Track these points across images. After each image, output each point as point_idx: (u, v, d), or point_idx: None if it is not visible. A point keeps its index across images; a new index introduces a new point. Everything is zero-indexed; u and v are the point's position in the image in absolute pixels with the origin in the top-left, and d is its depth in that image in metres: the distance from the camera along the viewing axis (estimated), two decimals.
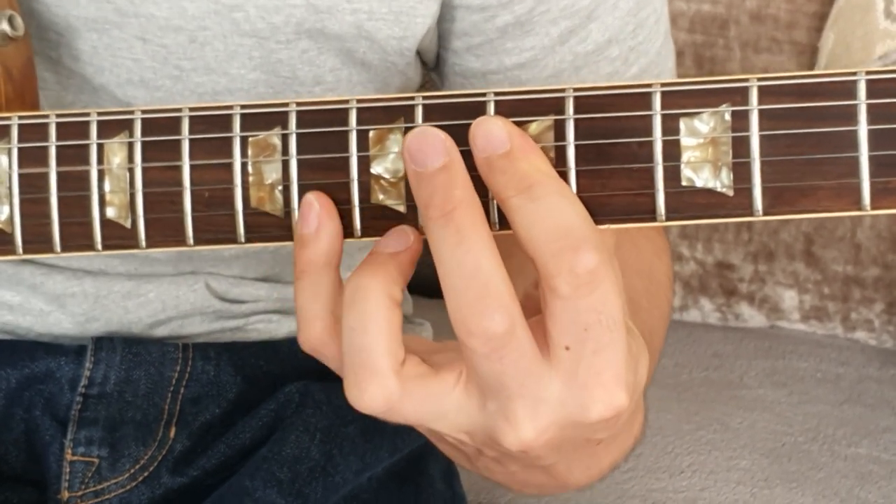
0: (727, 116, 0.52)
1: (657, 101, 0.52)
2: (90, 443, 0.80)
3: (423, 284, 1.38)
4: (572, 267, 0.51)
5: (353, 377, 0.54)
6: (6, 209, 0.63)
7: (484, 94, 0.55)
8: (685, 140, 0.52)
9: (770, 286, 1.36)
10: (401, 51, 0.78)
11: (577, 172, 0.53)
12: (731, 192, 0.52)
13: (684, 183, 0.52)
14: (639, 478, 1.06)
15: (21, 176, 0.63)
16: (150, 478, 0.80)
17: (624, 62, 0.83)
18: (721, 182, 0.52)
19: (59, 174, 0.62)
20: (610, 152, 0.53)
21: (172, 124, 0.60)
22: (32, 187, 0.63)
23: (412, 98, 0.56)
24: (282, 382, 0.83)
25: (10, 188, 0.63)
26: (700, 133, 0.52)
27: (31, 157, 0.63)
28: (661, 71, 0.87)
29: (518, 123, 0.54)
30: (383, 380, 0.53)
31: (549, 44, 0.79)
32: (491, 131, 0.53)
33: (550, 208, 0.51)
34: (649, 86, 0.52)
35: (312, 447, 0.79)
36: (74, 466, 0.79)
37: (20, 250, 0.63)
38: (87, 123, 0.62)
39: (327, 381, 0.83)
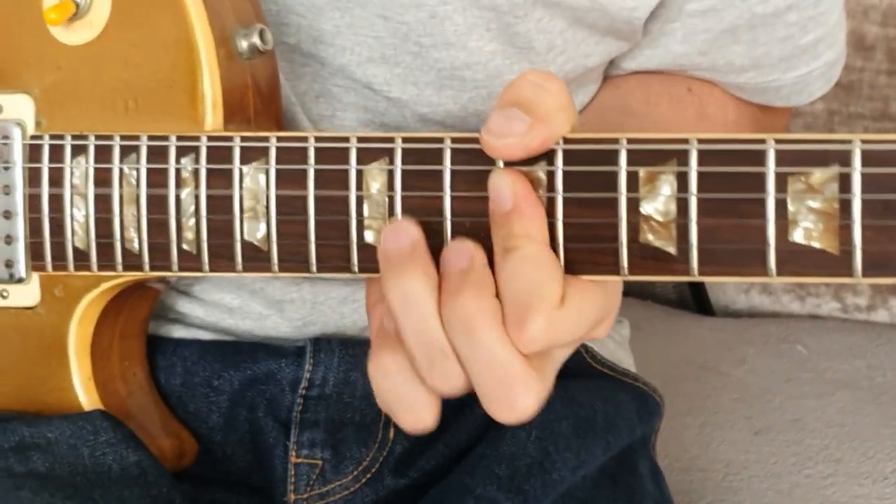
0: None
1: None
2: (313, 445, 0.81)
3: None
4: (520, 334, 0.56)
5: (433, 370, 0.58)
6: (263, 227, 0.65)
7: (763, 141, 0.54)
8: None
9: None
10: (630, 20, 0.79)
11: (863, 226, 0.53)
12: None
13: None
14: (840, 483, 1.04)
15: (278, 196, 0.64)
16: (373, 479, 0.80)
17: (801, 29, 0.83)
18: None
19: (316, 197, 0.63)
20: None
21: (433, 153, 0.61)
22: (289, 208, 0.64)
23: (686, 141, 0.56)
24: None
25: (267, 208, 0.64)
26: None
27: (289, 179, 0.64)
28: (835, 42, 0.87)
29: (801, 172, 0.54)
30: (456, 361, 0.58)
31: None
32: (500, 188, 0.58)
33: (514, 271, 0.56)
34: None
35: (529, 444, 0.79)
36: (299, 469, 0.80)
37: (276, 268, 0.65)
38: (346, 150, 0.62)
39: None
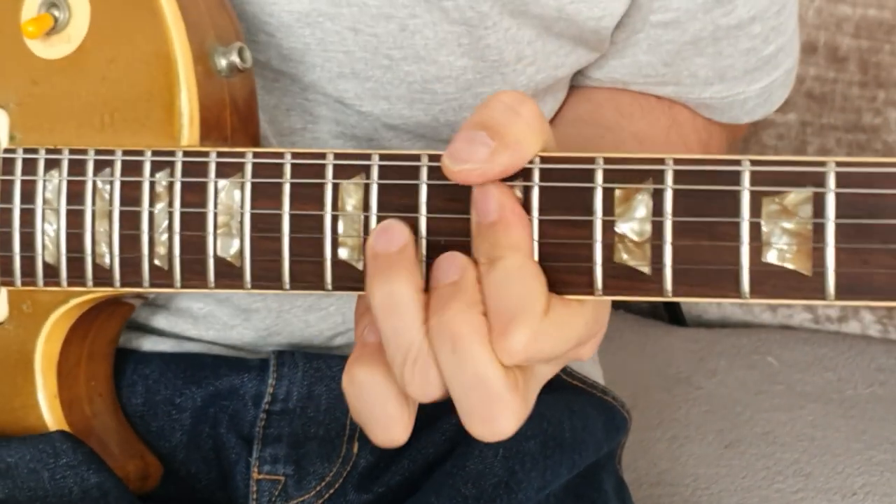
0: None
1: None
2: (276, 461, 0.80)
3: None
4: (503, 345, 0.55)
5: (411, 376, 0.57)
6: (237, 243, 0.64)
7: (739, 163, 0.54)
8: None
9: None
10: (597, 30, 0.79)
11: (836, 248, 0.53)
12: None
13: None
14: (810, 498, 1.05)
15: (253, 213, 0.64)
16: (336, 495, 0.80)
17: (764, 40, 0.84)
18: None
19: (291, 213, 0.63)
20: (872, 230, 0.52)
21: (410, 171, 0.60)
22: (264, 224, 0.64)
23: (662, 161, 0.56)
24: None
25: (241, 223, 0.64)
26: None
27: (264, 194, 0.64)
28: (792, 50, 0.88)
29: (775, 193, 0.54)
30: (426, 363, 0.57)
31: (693, 8, 0.80)
32: (486, 200, 0.57)
33: (499, 282, 0.56)
34: None
35: (496, 462, 0.79)
36: (261, 485, 0.79)
37: (248, 285, 0.64)
38: (322, 166, 0.62)
39: None
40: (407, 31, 0.74)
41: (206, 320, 0.83)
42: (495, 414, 0.56)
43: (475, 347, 0.55)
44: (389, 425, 0.59)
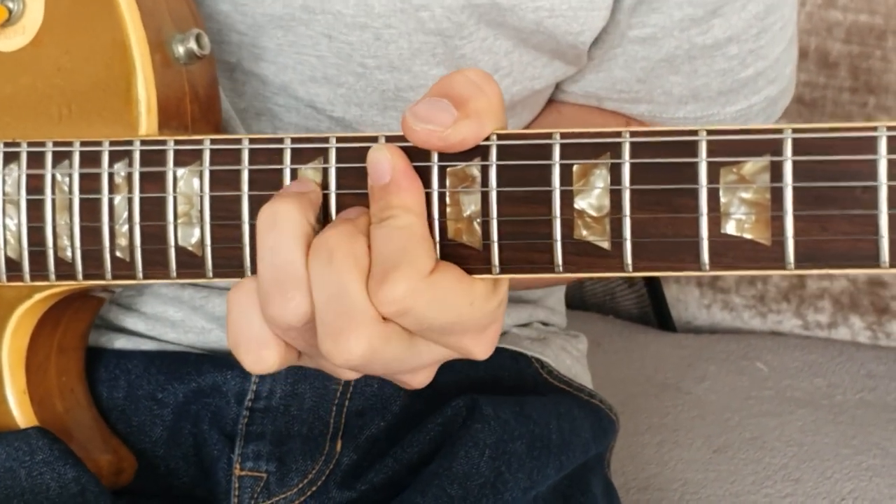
0: None
1: (883, 146, 0.50)
2: (258, 457, 0.79)
3: (577, 298, 1.38)
4: (380, 292, 0.55)
5: (274, 296, 0.57)
6: (197, 232, 0.63)
7: (696, 133, 0.54)
8: None
9: None
10: (575, 44, 0.78)
11: (795, 216, 0.52)
12: None
13: None
14: (798, 503, 1.03)
15: (212, 199, 0.63)
16: (319, 492, 0.79)
17: (741, 62, 0.83)
18: None
19: (251, 199, 0.62)
20: (830, 196, 0.51)
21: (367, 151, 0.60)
22: (224, 211, 0.63)
23: (619, 134, 0.55)
24: (446, 396, 0.82)
25: (201, 212, 0.63)
26: None
27: (223, 182, 0.63)
28: (778, 76, 0.86)
29: (733, 163, 0.53)
30: (302, 290, 0.57)
31: (670, 26, 0.80)
32: (379, 161, 0.58)
33: (386, 235, 0.56)
34: (874, 129, 0.51)
35: (482, 463, 0.78)
36: (243, 481, 0.79)
37: (210, 274, 0.64)
38: (280, 150, 0.61)
39: (494, 394, 0.82)
40: (381, 40, 0.74)
41: (183, 325, 0.82)
42: (348, 330, 0.55)
43: (348, 267, 0.55)
44: (259, 344, 0.59)
